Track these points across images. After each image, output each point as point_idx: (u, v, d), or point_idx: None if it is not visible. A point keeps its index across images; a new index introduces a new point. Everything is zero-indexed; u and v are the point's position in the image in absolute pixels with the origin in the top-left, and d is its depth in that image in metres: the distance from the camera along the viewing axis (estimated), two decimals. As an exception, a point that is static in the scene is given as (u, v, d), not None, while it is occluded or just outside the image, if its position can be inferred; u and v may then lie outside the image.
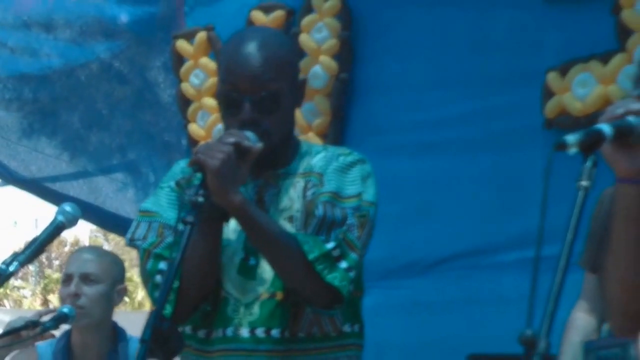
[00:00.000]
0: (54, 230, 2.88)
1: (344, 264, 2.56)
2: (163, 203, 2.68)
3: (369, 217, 2.62)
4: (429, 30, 4.01)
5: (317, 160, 2.69)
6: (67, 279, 3.82)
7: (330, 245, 2.56)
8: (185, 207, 2.54)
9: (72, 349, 3.88)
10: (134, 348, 3.84)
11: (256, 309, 2.63)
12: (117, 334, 3.91)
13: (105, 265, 3.87)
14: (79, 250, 4.26)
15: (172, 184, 2.68)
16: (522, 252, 3.51)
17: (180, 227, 2.48)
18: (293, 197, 2.66)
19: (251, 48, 2.64)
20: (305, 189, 2.65)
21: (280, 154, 2.67)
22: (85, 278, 3.77)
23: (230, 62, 2.66)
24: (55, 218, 2.91)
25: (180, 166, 2.72)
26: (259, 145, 2.54)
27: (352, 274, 2.57)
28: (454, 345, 3.59)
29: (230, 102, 2.63)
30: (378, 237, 2.67)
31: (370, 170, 2.68)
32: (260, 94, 2.60)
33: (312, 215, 2.60)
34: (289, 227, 2.61)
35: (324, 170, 2.66)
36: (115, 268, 3.93)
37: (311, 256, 2.53)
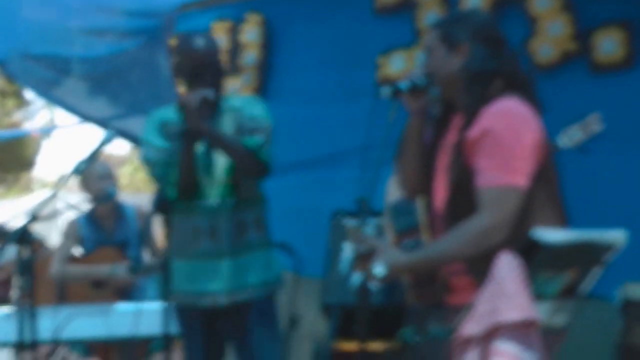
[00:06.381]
0: (102, 145, 2.81)
1: (265, 149, 2.59)
2: (152, 136, 2.67)
3: (270, 126, 2.64)
4: (314, 34, 3.92)
5: (235, 103, 2.69)
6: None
7: (258, 140, 2.59)
8: (176, 134, 2.56)
9: (96, 218, 3.80)
10: (129, 212, 3.81)
11: (217, 188, 2.63)
12: (121, 205, 3.85)
13: None
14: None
15: (157, 123, 2.66)
16: (361, 155, 3.49)
17: (176, 145, 2.53)
18: (227, 126, 2.66)
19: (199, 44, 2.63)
20: (233, 119, 2.65)
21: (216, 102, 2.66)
22: None
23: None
24: (103, 138, 2.84)
25: (159, 113, 2.71)
26: (214, 95, 2.55)
27: (270, 155, 2.60)
28: (324, 210, 3.56)
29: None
30: (277, 148, 2.66)
31: (264, 104, 2.70)
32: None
33: (243, 128, 2.61)
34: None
35: (242, 107, 2.66)
36: None
37: (250, 147, 2.57)
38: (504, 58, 1.90)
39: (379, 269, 1.77)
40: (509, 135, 1.80)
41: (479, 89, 1.87)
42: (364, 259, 1.81)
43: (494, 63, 1.88)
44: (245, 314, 2.62)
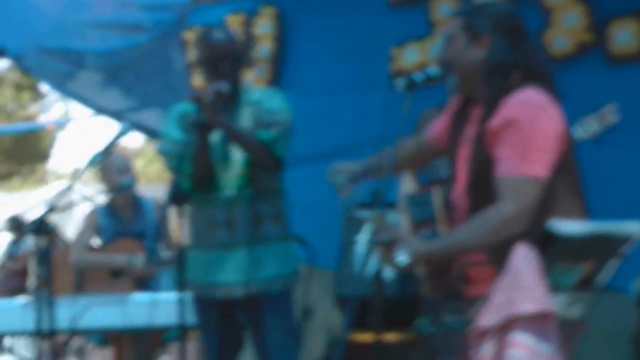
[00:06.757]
0: (117, 138, 2.81)
1: (280, 144, 2.58)
2: (171, 128, 2.65)
3: (289, 119, 2.62)
4: (328, 27, 3.91)
5: (255, 95, 2.67)
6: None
7: (273, 135, 2.57)
8: (190, 127, 2.55)
9: (115, 209, 3.82)
10: (147, 205, 3.82)
11: (233, 180, 2.63)
12: (138, 197, 3.87)
13: None
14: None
15: (177, 117, 2.65)
16: (374, 147, 3.49)
17: (190, 137, 2.52)
18: (246, 117, 2.64)
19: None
20: (252, 111, 2.63)
21: (234, 96, 2.65)
22: None
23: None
24: (119, 131, 2.84)
25: (179, 106, 2.70)
26: (228, 88, 2.54)
27: (285, 150, 2.59)
28: (338, 202, 3.55)
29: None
30: (291, 140, 2.64)
31: (284, 96, 2.68)
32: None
33: (260, 122, 2.59)
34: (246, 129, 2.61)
35: (262, 99, 2.64)
36: None
37: (264, 140, 2.56)
38: (524, 50, 1.88)
39: (402, 258, 1.75)
40: (531, 126, 1.78)
41: (499, 80, 1.86)
42: (386, 247, 1.79)
43: (515, 55, 1.86)
44: (259, 307, 2.61)
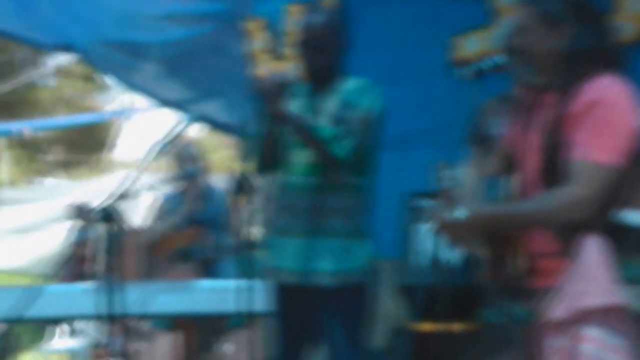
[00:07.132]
0: (181, 128, 2.84)
1: (343, 142, 2.49)
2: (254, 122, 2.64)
3: (370, 118, 2.54)
4: (387, 14, 3.88)
5: (347, 85, 2.61)
6: None
7: (335, 132, 2.49)
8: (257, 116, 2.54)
9: (184, 198, 3.88)
10: (216, 194, 3.87)
11: (301, 168, 2.59)
12: (208, 186, 3.92)
13: None
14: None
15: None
16: (434, 136, 3.47)
17: (260, 127, 2.50)
18: (330, 105, 2.59)
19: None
20: (338, 101, 2.58)
21: (326, 81, 2.60)
22: None
23: None
24: (183, 121, 2.87)
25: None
26: (291, 79, 2.52)
27: (350, 151, 2.50)
28: (398, 191, 3.51)
29: None
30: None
31: (378, 92, 2.58)
32: None
33: (335, 115, 2.55)
34: (327, 122, 2.54)
35: (350, 91, 2.58)
36: None
37: (324, 139, 2.49)
38: (602, 35, 1.84)
39: (460, 212, 1.74)
40: (612, 112, 1.76)
41: (579, 67, 1.82)
42: (447, 201, 1.79)
43: (594, 41, 1.82)
44: (316, 300, 2.55)
